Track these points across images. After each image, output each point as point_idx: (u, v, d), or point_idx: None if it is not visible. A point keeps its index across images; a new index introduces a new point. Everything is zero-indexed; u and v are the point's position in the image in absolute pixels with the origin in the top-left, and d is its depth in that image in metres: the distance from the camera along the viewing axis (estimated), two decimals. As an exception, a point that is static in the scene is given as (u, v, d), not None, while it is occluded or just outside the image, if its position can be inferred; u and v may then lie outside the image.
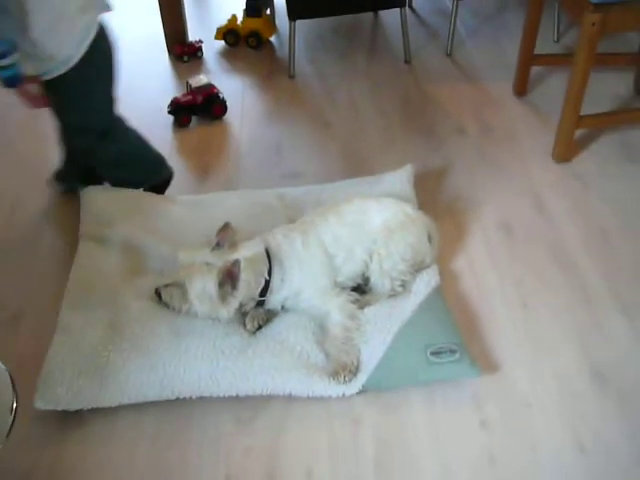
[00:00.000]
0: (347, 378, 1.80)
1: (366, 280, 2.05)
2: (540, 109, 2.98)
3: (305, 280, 1.96)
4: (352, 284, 2.06)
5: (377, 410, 1.82)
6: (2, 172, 2.75)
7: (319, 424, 1.80)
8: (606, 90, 3.02)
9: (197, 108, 2.95)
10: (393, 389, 1.86)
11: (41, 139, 2.91)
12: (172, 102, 2.95)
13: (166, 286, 1.94)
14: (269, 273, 1.92)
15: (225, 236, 1.94)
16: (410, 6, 3.86)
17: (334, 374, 1.81)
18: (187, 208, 2.39)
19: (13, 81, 1.98)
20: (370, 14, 3.81)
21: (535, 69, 3.08)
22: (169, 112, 2.95)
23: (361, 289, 2.08)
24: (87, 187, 2.41)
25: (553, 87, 3.08)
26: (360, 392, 1.81)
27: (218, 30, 3.55)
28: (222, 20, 3.57)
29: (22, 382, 1.88)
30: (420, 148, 2.79)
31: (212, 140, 2.89)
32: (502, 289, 2.16)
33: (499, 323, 2.05)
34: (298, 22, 3.22)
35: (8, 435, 1.77)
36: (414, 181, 2.45)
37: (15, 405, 1.83)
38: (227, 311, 1.86)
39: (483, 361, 1.91)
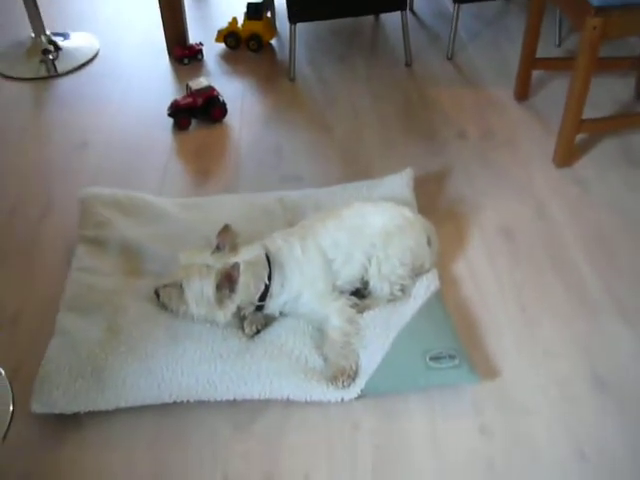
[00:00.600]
0: (345, 383, 1.79)
1: (365, 284, 2.05)
2: (541, 113, 2.98)
3: (304, 284, 1.95)
4: (351, 288, 2.05)
5: (376, 415, 1.81)
6: (2, 173, 2.74)
7: (317, 429, 1.78)
8: (607, 94, 3.02)
9: (197, 111, 2.95)
10: (392, 394, 1.84)
11: (42, 141, 2.91)
12: (172, 104, 2.94)
13: (165, 286, 1.93)
14: (269, 277, 1.92)
15: (225, 238, 1.93)
16: (411, 9, 3.86)
17: (332, 379, 1.80)
18: (186, 210, 2.38)
19: None
20: (371, 17, 3.81)
21: (536, 73, 3.08)
22: (169, 114, 2.94)
23: (360, 293, 2.07)
24: (86, 189, 2.40)
25: (554, 91, 3.08)
26: (359, 397, 1.80)
27: (219, 33, 3.55)
28: (223, 23, 3.58)
29: (19, 385, 1.89)
30: (420, 152, 2.78)
31: (212, 143, 2.88)
32: (502, 294, 2.15)
33: (499, 328, 2.04)
34: (299, 25, 3.22)
35: (4, 438, 1.77)
36: (414, 185, 2.44)
37: (12, 408, 1.84)
38: (224, 314, 1.85)
39: (483, 367, 1.90)
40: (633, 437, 1.75)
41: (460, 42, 3.54)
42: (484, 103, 3.08)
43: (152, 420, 1.81)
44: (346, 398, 1.80)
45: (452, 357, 1.83)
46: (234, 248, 1.92)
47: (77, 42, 3.61)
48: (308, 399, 1.80)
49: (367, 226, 2.03)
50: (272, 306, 1.96)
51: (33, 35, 3.52)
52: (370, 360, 1.85)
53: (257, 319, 1.95)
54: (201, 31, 3.66)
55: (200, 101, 2.93)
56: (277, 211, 2.36)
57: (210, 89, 2.95)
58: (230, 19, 3.53)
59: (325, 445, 1.75)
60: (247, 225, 2.15)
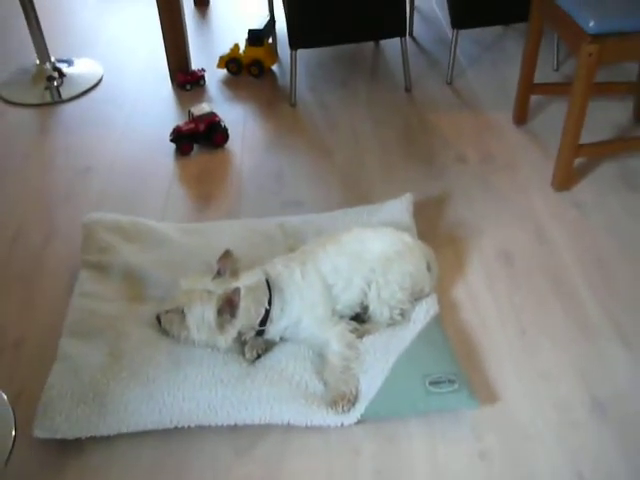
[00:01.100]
0: (345, 408, 1.80)
1: (365, 309, 2.06)
2: (540, 138, 3.00)
3: (304, 309, 1.96)
4: (351, 313, 2.06)
5: (376, 440, 1.81)
6: (6, 198, 2.77)
7: (318, 454, 1.79)
8: (605, 118, 3.05)
9: (199, 136, 2.98)
10: (392, 419, 1.85)
11: (46, 166, 2.94)
12: (174, 130, 2.97)
13: (167, 312, 1.95)
14: (269, 302, 1.93)
15: (226, 263, 1.95)
16: (411, 35, 3.91)
17: (332, 404, 1.80)
18: (188, 236, 2.40)
19: None
20: (371, 43, 3.85)
21: (535, 98, 3.11)
22: (171, 140, 2.98)
23: (360, 318, 2.08)
24: (89, 215, 2.43)
25: (553, 116, 3.11)
26: (359, 422, 1.81)
27: (220, 59, 3.59)
28: (224, 49, 3.62)
29: (22, 410, 1.90)
30: (420, 176, 2.81)
31: (213, 168, 2.91)
32: (501, 318, 2.16)
33: (498, 353, 2.05)
34: (300, 51, 3.26)
35: (7, 463, 1.78)
36: (414, 210, 2.47)
37: (14, 433, 1.85)
38: (225, 339, 1.87)
39: (482, 391, 1.91)
40: (633, 461, 1.75)
41: (459, 67, 3.58)
42: (483, 127, 3.11)
43: (153, 445, 1.82)
44: (346, 423, 1.80)
45: (452, 382, 1.83)
46: (235, 273, 1.94)
47: (81, 68, 3.66)
48: (308, 424, 1.81)
49: (367, 251, 2.05)
50: (272, 331, 1.97)
51: (38, 62, 3.57)
52: (370, 385, 1.85)
53: (258, 344, 1.96)
54: (203, 57, 3.71)
55: (202, 127, 2.96)
56: (278, 236, 2.38)
57: (212, 115, 2.99)
58: (232, 45, 3.58)
59: (326, 470, 1.75)
60: (248, 250, 2.17)
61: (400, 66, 3.41)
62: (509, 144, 2.99)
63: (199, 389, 1.83)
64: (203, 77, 3.50)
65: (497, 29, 3.96)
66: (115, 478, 1.75)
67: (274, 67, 3.66)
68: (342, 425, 1.81)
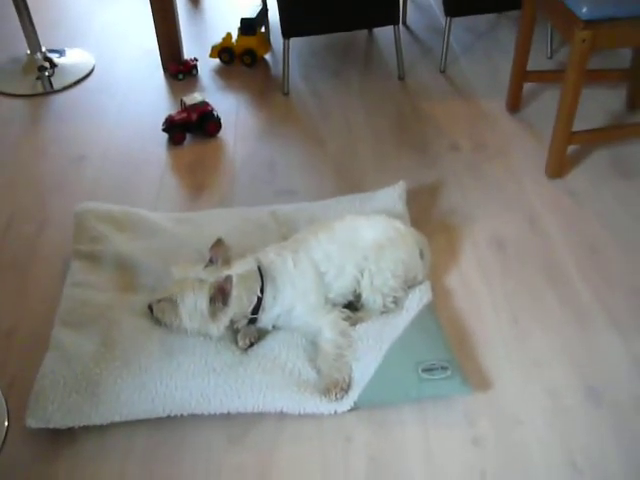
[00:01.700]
0: (338, 395, 1.80)
1: (358, 297, 2.06)
2: (533, 125, 3.00)
3: (297, 297, 1.96)
4: (344, 301, 2.06)
5: (369, 428, 1.81)
6: (-2, 189, 2.76)
7: (311, 442, 1.79)
8: (598, 106, 3.04)
9: (191, 126, 2.97)
10: (385, 406, 1.85)
11: (38, 156, 2.93)
12: (166, 120, 2.96)
13: (159, 301, 1.94)
14: (261, 290, 1.93)
15: (218, 252, 1.94)
16: (404, 23, 3.90)
17: (326, 391, 1.81)
18: (180, 225, 2.39)
19: None
20: (364, 31, 3.84)
21: (528, 86, 3.11)
22: (163, 130, 2.96)
23: (353, 306, 2.08)
24: (81, 204, 2.42)
25: (546, 103, 3.10)
26: (352, 409, 1.81)
27: (213, 48, 3.57)
28: (217, 38, 3.60)
29: (14, 400, 1.90)
30: (414, 164, 2.80)
31: (206, 158, 2.90)
32: (494, 305, 2.16)
33: (491, 340, 2.05)
34: (293, 40, 3.25)
35: (0, 453, 1.78)
36: (407, 197, 2.46)
37: (7, 423, 1.84)
38: (217, 328, 1.86)
39: (475, 378, 1.91)
40: (625, 447, 1.75)
41: (453, 55, 3.57)
42: (476, 115, 3.10)
43: (146, 434, 1.82)
44: (339, 410, 1.81)
45: (444, 368, 1.84)
46: (227, 262, 1.93)
47: (73, 58, 3.64)
48: (301, 412, 1.81)
49: (359, 239, 2.05)
50: (265, 319, 1.97)
51: (29, 52, 3.55)
52: (363, 372, 1.86)
53: (250, 332, 1.96)
54: (196, 47, 3.69)
55: (195, 116, 2.95)
56: (270, 225, 2.38)
57: (204, 104, 2.98)
58: (224, 34, 3.56)
59: (319, 457, 1.76)
60: (240, 239, 2.17)
61: (393, 54, 3.40)
62: (502, 132, 2.98)
63: (192, 378, 1.83)
64: (195, 67, 3.49)
65: (490, 17, 3.95)
66: (108, 467, 1.75)
67: (267, 56, 3.64)
68: (335, 412, 1.81)
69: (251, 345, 1.95)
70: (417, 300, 2.04)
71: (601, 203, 2.55)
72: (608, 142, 2.85)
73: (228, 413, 1.81)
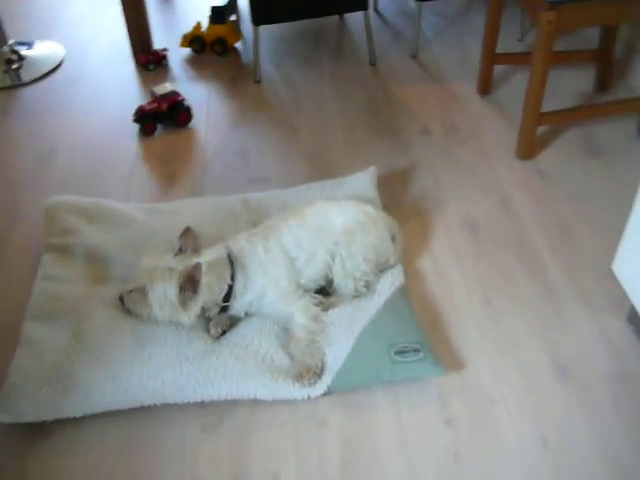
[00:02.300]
0: (311, 380, 1.80)
1: (330, 282, 2.06)
2: (503, 107, 3.01)
3: (268, 284, 1.96)
4: (316, 286, 2.06)
5: (343, 412, 1.82)
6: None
7: (285, 427, 1.79)
8: (567, 87, 3.06)
9: (162, 116, 2.95)
10: (358, 390, 1.86)
11: (7, 150, 2.90)
12: (137, 110, 2.94)
13: (130, 292, 1.94)
14: (232, 278, 1.92)
15: (187, 240, 1.94)
16: (375, 9, 3.88)
17: (298, 377, 1.81)
18: (151, 215, 2.38)
19: None
20: (335, 17, 3.83)
21: (499, 68, 3.12)
22: (134, 120, 2.94)
23: (325, 291, 2.08)
24: (52, 198, 2.40)
25: (516, 85, 3.11)
26: (325, 394, 1.82)
27: (184, 37, 3.55)
28: (187, 27, 3.58)
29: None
30: (386, 149, 2.80)
31: (177, 147, 2.88)
32: (467, 287, 2.17)
33: (463, 321, 2.06)
34: (264, 27, 3.23)
35: (-31, 449, 1.76)
36: (379, 182, 2.47)
37: (-22, 419, 1.83)
38: (188, 316, 1.85)
39: (448, 359, 1.92)
40: (595, 424, 1.77)
41: (424, 40, 3.57)
42: (448, 99, 3.11)
43: (120, 425, 1.81)
44: (312, 395, 1.81)
45: (417, 351, 1.85)
46: (196, 250, 1.93)
47: (41, 50, 3.59)
48: (275, 398, 1.81)
49: (329, 224, 2.05)
50: (237, 307, 1.96)
51: (-4, 45, 3.51)
52: (336, 357, 1.86)
53: (222, 320, 1.96)
54: (166, 36, 3.66)
55: (165, 106, 2.93)
56: (241, 212, 2.37)
57: (175, 94, 2.96)
58: (194, 23, 3.54)
59: (293, 443, 1.76)
60: (211, 227, 2.16)
61: (365, 40, 3.39)
62: (473, 115, 2.99)
63: (164, 367, 1.83)
64: (165, 57, 3.46)
65: (462, 1, 3.96)
66: (82, 460, 1.75)
67: (238, 44, 3.62)
68: (309, 398, 1.81)
69: (223, 333, 1.94)
70: (389, 284, 2.05)
71: (571, 183, 2.56)
72: (578, 122, 2.86)
73: (202, 402, 1.82)
